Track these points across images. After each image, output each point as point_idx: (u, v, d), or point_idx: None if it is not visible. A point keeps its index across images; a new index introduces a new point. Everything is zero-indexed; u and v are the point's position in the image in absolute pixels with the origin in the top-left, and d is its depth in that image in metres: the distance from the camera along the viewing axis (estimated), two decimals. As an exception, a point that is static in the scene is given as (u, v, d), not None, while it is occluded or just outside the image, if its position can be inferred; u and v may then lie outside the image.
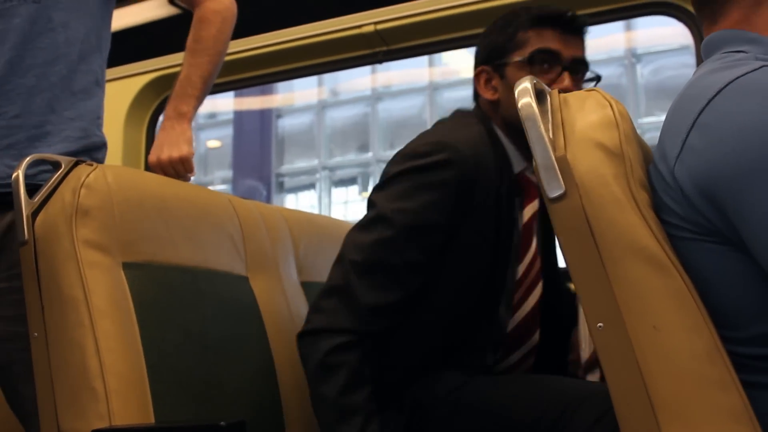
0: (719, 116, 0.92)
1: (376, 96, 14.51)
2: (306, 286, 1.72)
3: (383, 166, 1.48)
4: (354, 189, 14.78)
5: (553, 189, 0.97)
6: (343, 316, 1.34)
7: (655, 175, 1.02)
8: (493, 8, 2.14)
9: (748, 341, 0.94)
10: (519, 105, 1.00)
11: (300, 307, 1.63)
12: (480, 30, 1.66)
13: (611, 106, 1.02)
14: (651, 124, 10.67)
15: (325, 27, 2.42)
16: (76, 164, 1.26)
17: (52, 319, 1.16)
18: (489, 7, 2.18)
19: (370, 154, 14.48)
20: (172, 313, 1.29)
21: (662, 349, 0.89)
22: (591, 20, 2.46)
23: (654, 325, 0.90)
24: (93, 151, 1.51)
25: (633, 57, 11.40)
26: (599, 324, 0.93)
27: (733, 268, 0.93)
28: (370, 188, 1.49)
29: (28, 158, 1.25)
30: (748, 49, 1.05)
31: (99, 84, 1.56)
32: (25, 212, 1.20)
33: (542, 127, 0.99)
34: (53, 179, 1.24)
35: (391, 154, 1.49)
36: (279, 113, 14.98)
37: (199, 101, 1.66)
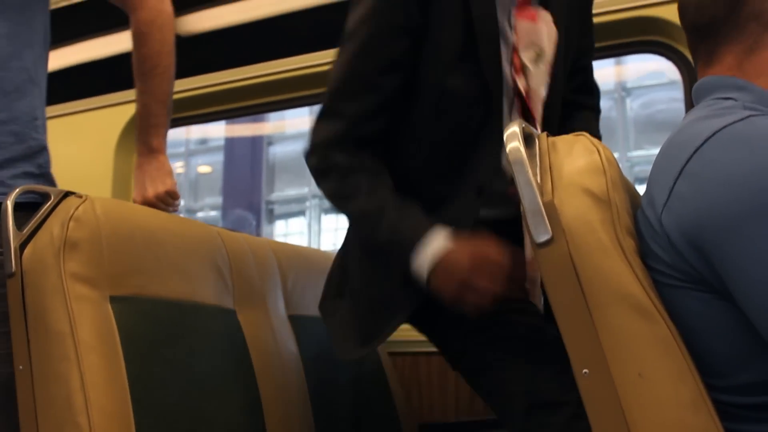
0: (706, 165, 0.93)
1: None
2: (293, 319, 1.72)
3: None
4: (344, 217, 14.73)
5: (540, 234, 0.98)
6: (333, 127, 1.38)
7: (642, 221, 1.03)
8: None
9: (733, 390, 0.94)
10: (507, 149, 1.01)
11: (287, 341, 1.63)
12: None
13: (599, 151, 1.03)
14: (640, 157, 10.72)
15: (318, 59, 2.44)
16: (66, 196, 1.26)
17: (37, 353, 1.15)
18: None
19: (360, 183, 14.43)
20: (158, 346, 1.28)
21: (647, 397, 0.90)
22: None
23: (639, 372, 0.90)
24: (32, 156, 1.38)
25: (623, 91, 11.50)
26: (585, 370, 0.93)
27: (719, 317, 0.93)
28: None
29: (17, 189, 1.25)
30: (737, 97, 1.06)
31: (34, 82, 1.42)
32: (13, 244, 1.19)
33: (530, 171, 1.00)
34: (42, 211, 1.24)
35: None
36: (270, 140, 14.99)
37: (166, 126, 1.59)
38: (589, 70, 1.69)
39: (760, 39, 1.09)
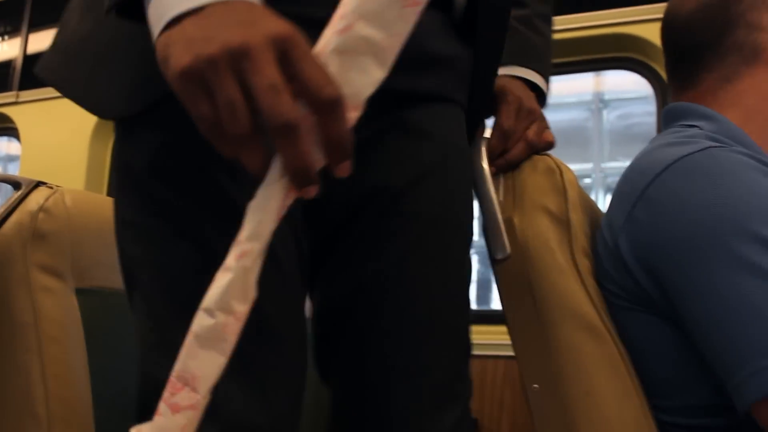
0: (663, 192, 0.96)
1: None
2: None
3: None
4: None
5: (499, 251, 1.00)
6: None
7: (600, 242, 1.06)
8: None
9: (676, 411, 0.98)
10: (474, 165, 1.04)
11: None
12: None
13: (561, 172, 1.05)
14: (614, 169, 10.81)
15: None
16: (37, 186, 1.27)
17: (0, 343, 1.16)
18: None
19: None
20: (121, 339, 1.29)
21: (593, 414, 0.93)
22: (560, 70, 2.54)
23: (586, 390, 0.93)
24: None
25: (600, 102, 11.58)
26: (535, 385, 0.96)
27: (666, 340, 0.97)
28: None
29: (-12, 178, 1.26)
30: (703, 125, 1.10)
31: None
32: (-20, 233, 1.20)
33: (492, 188, 1.02)
34: (12, 200, 1.25)
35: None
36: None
37: None
38: None
39: (737, 70, 1.12)
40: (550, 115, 1.15)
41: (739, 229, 0.89)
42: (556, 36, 1.28)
